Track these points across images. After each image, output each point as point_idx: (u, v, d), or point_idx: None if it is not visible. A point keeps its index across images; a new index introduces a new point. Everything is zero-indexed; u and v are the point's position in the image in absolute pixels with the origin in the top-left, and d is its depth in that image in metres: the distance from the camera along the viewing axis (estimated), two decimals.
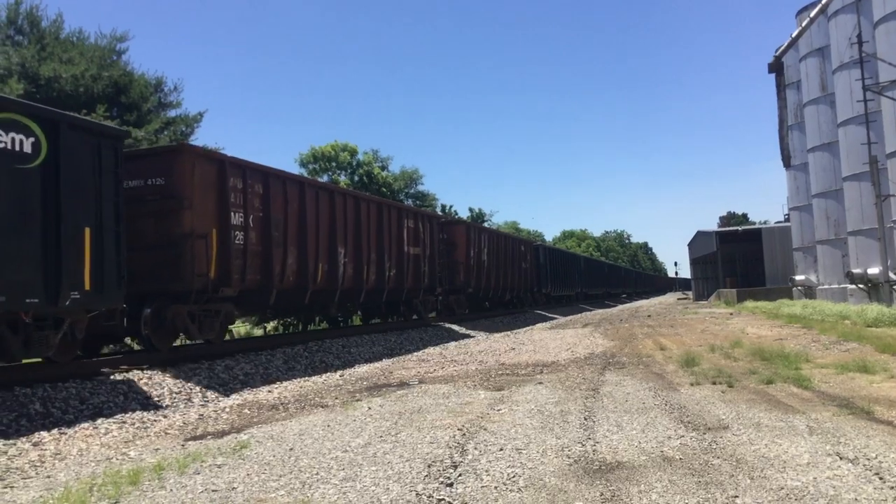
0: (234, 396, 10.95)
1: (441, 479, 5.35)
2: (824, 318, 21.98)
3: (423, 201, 58.42)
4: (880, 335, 15.38)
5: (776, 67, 36.53)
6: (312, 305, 17.64)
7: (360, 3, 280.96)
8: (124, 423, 8.60)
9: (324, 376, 13.26)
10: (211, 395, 10.88)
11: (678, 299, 68.99)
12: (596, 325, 25.93)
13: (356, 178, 54.28)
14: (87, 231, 9.69)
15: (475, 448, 6.32)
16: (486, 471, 5.55)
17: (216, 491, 5.28)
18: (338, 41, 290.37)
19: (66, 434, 7.91)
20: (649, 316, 32.38)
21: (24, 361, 9.75)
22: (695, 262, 67.59)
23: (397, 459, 6.03)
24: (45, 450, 7.25)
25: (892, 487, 4.81)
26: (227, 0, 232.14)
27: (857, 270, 27.63)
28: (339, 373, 13.80)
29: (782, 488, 4.87)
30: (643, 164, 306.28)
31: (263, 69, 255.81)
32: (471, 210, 69.02)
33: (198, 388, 10.98)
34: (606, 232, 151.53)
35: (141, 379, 10.63)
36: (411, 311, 23.12)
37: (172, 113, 30.43)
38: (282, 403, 9.89)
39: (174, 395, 10.46)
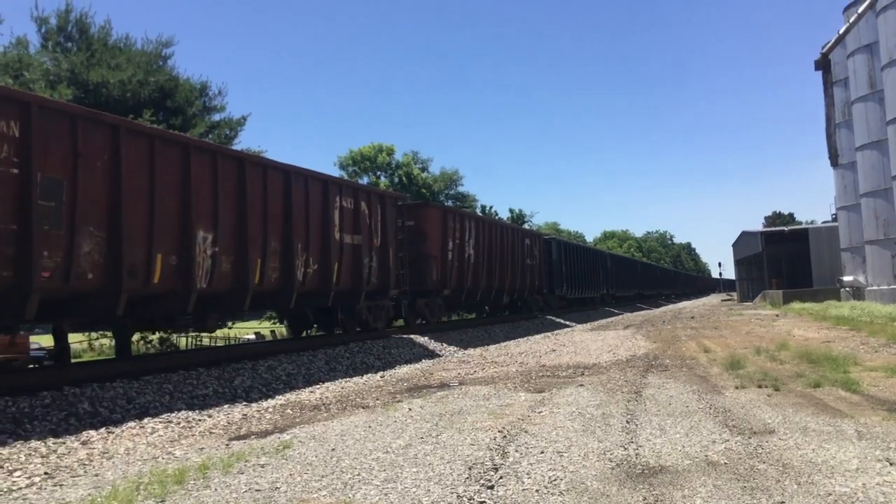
0: (277, 397, 11.11)
1: (482, 482, 5.34)
2: (873, 319, 21.46)
3: (463, 202, 58.24)
4: None
5: (823, 65, 35.64)
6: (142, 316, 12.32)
7: (398, 4, 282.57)
8: (170, 422, 8.76)
9: (365, 377, 13.36)
10: (254, 394, 11.06)
11: (722, 301, 67.98)
12: (638, 327, 25.69)
13: (395, 180, 54.57)
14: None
15: (516, 451, 6.30)
16: (527, 474, 5.53)
17: (259, 491, 5.35)
18: (380, 41, 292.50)
19: (113, 433, 8.08)
20: (692, 317, 31.94)
21: (86, 359, 9.96)
22: (739, 263, 66.61)
23: (438, 461, 6.04)
24: (94, 448, 7.41)
25: None
26: (267, 3, 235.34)
27: None
28: (380, 374, 13.90)
29: (830, 494, 4.76)
30: (686, 163, 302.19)
31: (302, 72, 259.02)
32: (511, 210, 68.79)
33: (241, 390, 11.18)
34: (648, 232, 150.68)
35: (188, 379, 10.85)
36: (355, 320, 17.82)
37: (217, 117, 30.99)
38: (323, 404, 10.00)
39: (218, 395, 10.66)
